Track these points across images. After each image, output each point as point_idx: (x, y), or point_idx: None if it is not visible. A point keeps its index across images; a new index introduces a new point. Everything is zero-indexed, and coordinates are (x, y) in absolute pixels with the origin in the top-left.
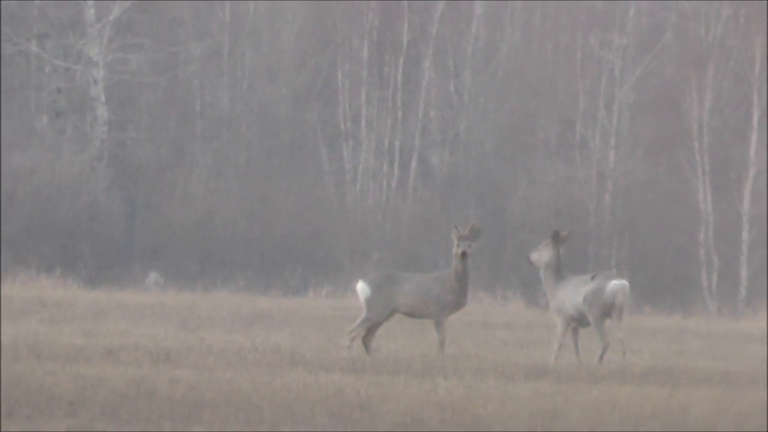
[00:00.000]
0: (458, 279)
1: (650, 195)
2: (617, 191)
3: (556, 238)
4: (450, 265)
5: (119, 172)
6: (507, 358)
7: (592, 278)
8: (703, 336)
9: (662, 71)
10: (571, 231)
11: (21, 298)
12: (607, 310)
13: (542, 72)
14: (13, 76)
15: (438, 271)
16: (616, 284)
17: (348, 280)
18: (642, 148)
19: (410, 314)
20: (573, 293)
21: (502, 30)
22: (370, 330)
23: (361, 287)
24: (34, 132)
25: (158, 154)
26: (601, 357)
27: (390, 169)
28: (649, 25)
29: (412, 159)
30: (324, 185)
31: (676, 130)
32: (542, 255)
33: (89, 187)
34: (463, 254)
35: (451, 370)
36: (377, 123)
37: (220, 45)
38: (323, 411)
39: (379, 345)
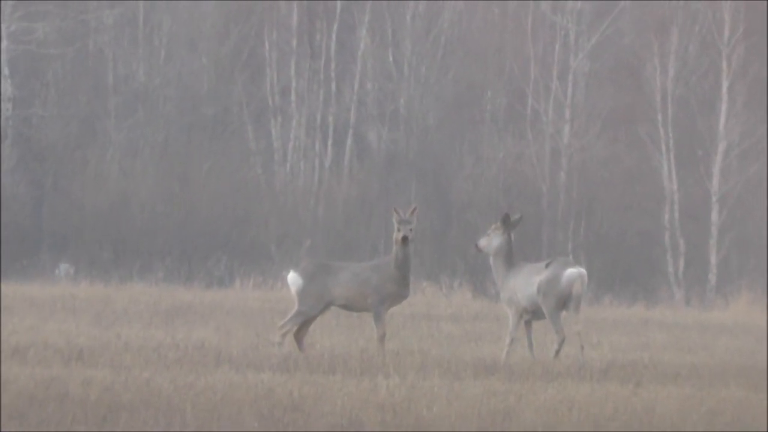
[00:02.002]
0: (399, 267)
1: (609, 173)
2: (573, 169)
3: (507, 222)
4: (390, 252)
5: (25, 153)
6: (453, 353)
7: (547, 266)
8: (669, 328)
9: (621, 37)
10: (523, 214)
11: None
12: (563, 300)
13: (489, 39)
14: None
15: (377, 259)
16: (573, 272)
17: (278, 269)
18: (599, 121)
19: (347, 307)
20: (525, 282)
21: None
22: (303, 325)
23: (293, 278)
24: None
25: (67, 132)
26: (557, 352)
27: (323, 147)
28: None
29: (348, 136)
30: (250, 165)
31: (637, 101)
32: (491, 240)
33: None
34: (404, 239)
35: (392, 367)
36: (308, 97)
37: (135, 12)
38: (252, 413)
39: (313, 341)
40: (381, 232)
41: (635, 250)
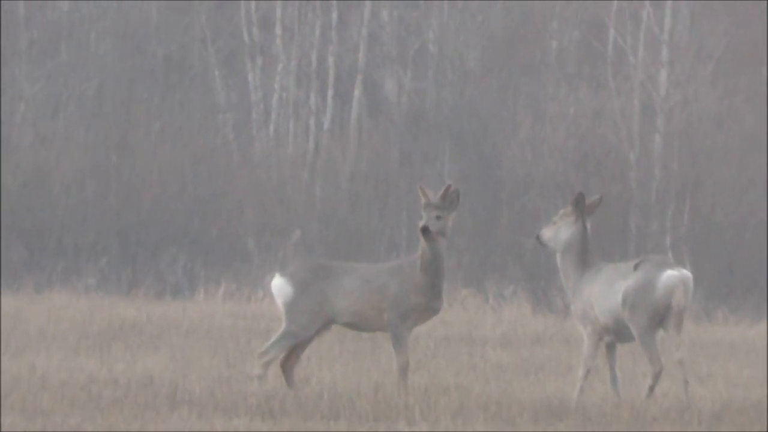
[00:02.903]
0: (427, 270)
1: (724, 137)
2: (672, 132)
3: (580, 205)
4: (415, 249)
5: None
6: (505, 391)
7: (636, 267)
8: None
9: None
10: (603, 194)
11: None
12: (660, 315)
13: None
14: None
15: (397, 259)
16: (673, 276)
17: (258, 273)
18: (710, 64)
19: (354, 325)
20: (607, 290)
21: None
22: (292, 351)
23: (279, 285)
24: None
25: None
26: (651, 388)
27: (320, 100)
28: None
29: (355, 85)
30: (218, 127)
31: (761, 37)
32: (559, 232)
33: None
34: (425, 231)
35: (418, 411)
36: (300, 31)
37: None
38: None
39: (307, 374)
40: (402, 220)
41: (759, 246)
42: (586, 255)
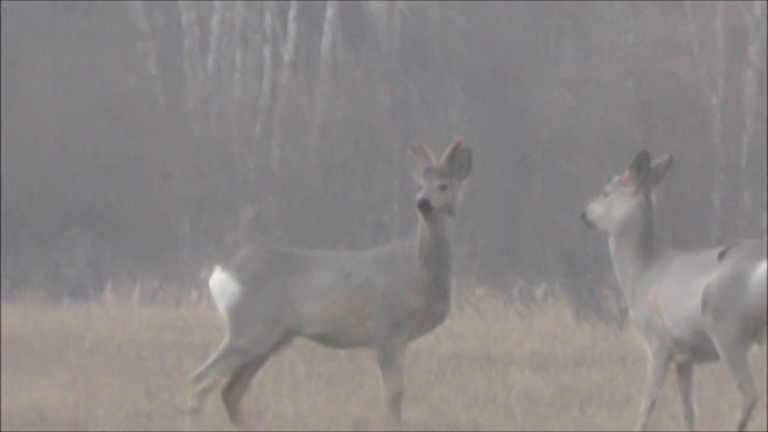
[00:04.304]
0: (427, 261)
1: None
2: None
3: (642, 171)
4: (411, 232)
5: None
6: (538, 427)
7: (721, 257)
8: None
9: None
10: (674, 155)
11: None
12: (754, 324)
13: None
14: None
15: (386, 246)
16: None
17: (190, 265)
18: None
19: (327, 339)
20: (680, 289)
21: None
22: (240, 374)
23: (221, 282)
24: None
25: None
26: (742, 425)
27: (279, 23)
28: None
29: (327, 2)
30: (136, 60)
31: None
32: (613, 207)
33: None
34: (425, 205)
35: None
36: None
37: None
38: None
39: (260, 405)
40: (393, 191)
41: None
42: (651, 240)
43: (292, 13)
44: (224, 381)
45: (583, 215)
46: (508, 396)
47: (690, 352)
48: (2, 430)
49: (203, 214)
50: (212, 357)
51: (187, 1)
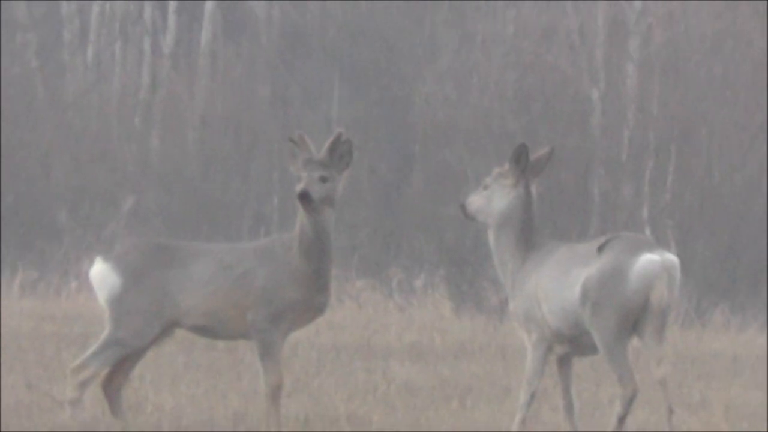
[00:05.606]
0: (307, 253)
1: (721, 69)
2: (650, 61)
3: (522, 163)
4: (291, 225)
5: None
6: (416, 422)
7: (600, 249)
8: None
9: None
10: (554, 147)
11: None
12: (633, 317)
13: None
14: None
15: (265, 239)
16: (652, 261)
17: (70, 256)
18: None
19: (206, 330)
20: (559, 281)
21: None
22: (120, 366)
23: (101, 273)
24: None
25: None
26: (621, 419)
27: (159, 15)
28: None
29: None
30: (15, 52)
31: None
32: (493, 199)
33: None
34: (305, 197)
35: None
36: None
37: None
38: None
39: (140, 398)
40: (272, 183)
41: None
42: (531, 232)
43: (172, 6)
44: (104, 372)
45: (463, 207)
46: (387, 388)
47: (569, 345)
48: None
49: (83, 205)
50: (92, 348)
51: None
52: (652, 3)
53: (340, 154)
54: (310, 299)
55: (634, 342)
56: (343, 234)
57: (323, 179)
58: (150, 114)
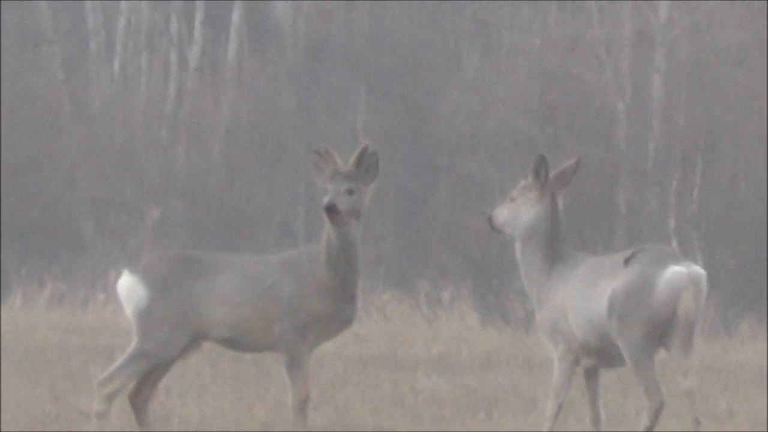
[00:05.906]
0: (334, 265)
1: (746, 80)
2: (676, 72)
3: (541, 172)
4: (317, 236)
5: None
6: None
7: (627, 261)
8: None
9: None
10: (580, 159)
11: None
12: (660, 329)
13: None
14: None
15: (292, 250)
16: (679, 273)
17: (97, 269)
18: None
19: (233, 342)
20: (586, 294)
21: None
22: (146, 378)
23: (128, 286)
24: None
25: None
26: (649, 429)
27: (185, 28)
28: None
29: (233, 6)
30: (41, 64)
31: None
32: (519, 212)
33: None
34: (332, 210)
35: None
36: None
37: None
38: None
39: (167, 410)
40: (298, 195)
41: None
42: (557, 244)
43: (198, 17)
44: (131, 385)
45: (489, 220)
46: (414, 399)
47: (596, 356)
48: None
49: (108, 217)
50: (119, 361)
51: (93, 1)
52: (678, 14)
53: (366, 166)
54: (337, 311)
55: (661, 353)
56: (369, 246)
57: (350, 192)
58: (175, 126)
